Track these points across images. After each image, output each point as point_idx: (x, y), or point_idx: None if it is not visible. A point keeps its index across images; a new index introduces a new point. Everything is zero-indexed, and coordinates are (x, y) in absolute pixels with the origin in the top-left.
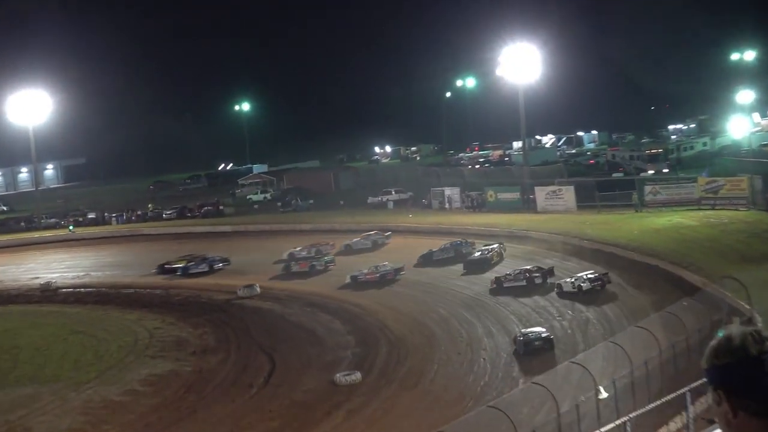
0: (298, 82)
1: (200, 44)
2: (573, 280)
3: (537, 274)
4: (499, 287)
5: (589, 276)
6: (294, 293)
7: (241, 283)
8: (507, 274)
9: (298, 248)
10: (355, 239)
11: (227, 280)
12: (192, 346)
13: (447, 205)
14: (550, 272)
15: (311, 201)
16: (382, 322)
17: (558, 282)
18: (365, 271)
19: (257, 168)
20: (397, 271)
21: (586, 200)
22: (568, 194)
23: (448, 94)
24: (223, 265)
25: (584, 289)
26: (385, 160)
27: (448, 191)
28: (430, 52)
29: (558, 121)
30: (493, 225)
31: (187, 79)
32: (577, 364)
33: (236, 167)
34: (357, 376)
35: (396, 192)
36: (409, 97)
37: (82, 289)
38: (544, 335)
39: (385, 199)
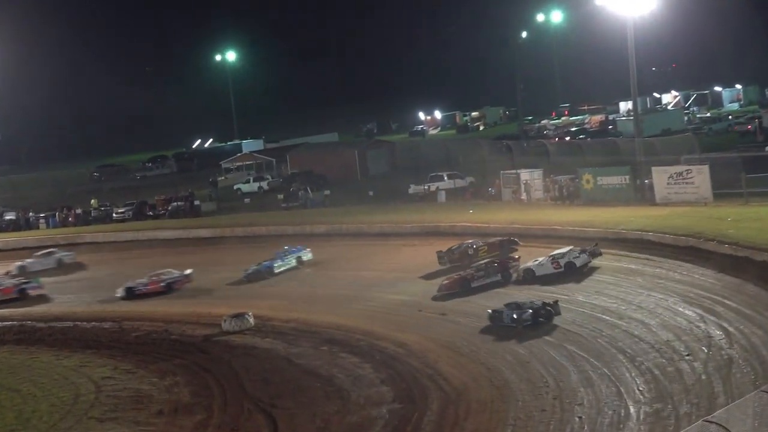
0: (307, 21)
1: None
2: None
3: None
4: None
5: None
6: (304, 325)
7: (226, 311)
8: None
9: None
10: (29, 259)
11: (206, 306)
12: (158, 404)
13: (524, 196)
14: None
15: (327, 192)
16: (433, 367)
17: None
18: (144, 280)
19: (248, 145)
20: (187, 277)
21: (727, 185)
22: (700, 177)
23: (524, 35)
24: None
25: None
26: (433, 131)
27: (525, 175)
28: None
29: (686, 72)
30: (590, 224)
31: (147, 19)
32: (717, 424)
33: (218, 144)
34: None
35: (449, 177)
36: (468, 41)
37: None
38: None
39: (434, 187)
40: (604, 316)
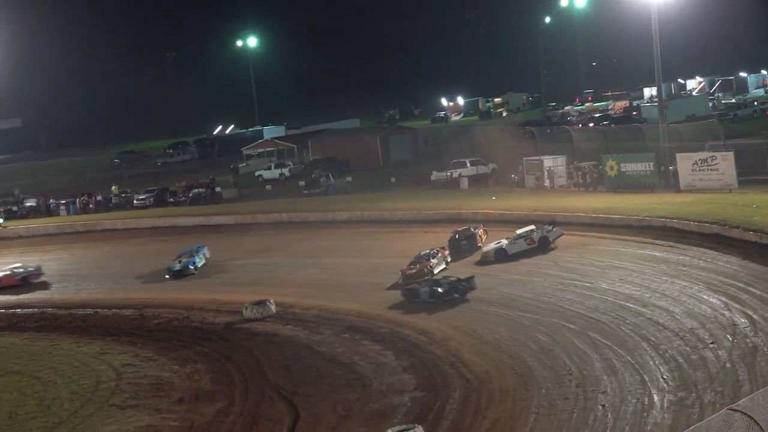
0: (330, 6)
1: None
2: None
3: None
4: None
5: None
6: (326, 312)
7: (248, 298)
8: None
9: None
10: None
11: (227, 294)
12: (178, 391)
13: (547, 182)
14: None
15: (349, 178)
16: (455, 354)
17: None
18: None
19: (270, 131)
20: (38, 269)
21: (752, 172)
22: (725, 164)
23: (548, 20)
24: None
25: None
26: (456, 117)
27: (548, 162)
28: None
29: (711, 57)
30: (614, 210)
31: (168, 5)
32: (741, 412)
33: (239, 130)
34: (417, 431)
35: (472, 164)
36: (491, 25)
37: (19, 310)
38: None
39: (456, 174)
40: (627, 304)
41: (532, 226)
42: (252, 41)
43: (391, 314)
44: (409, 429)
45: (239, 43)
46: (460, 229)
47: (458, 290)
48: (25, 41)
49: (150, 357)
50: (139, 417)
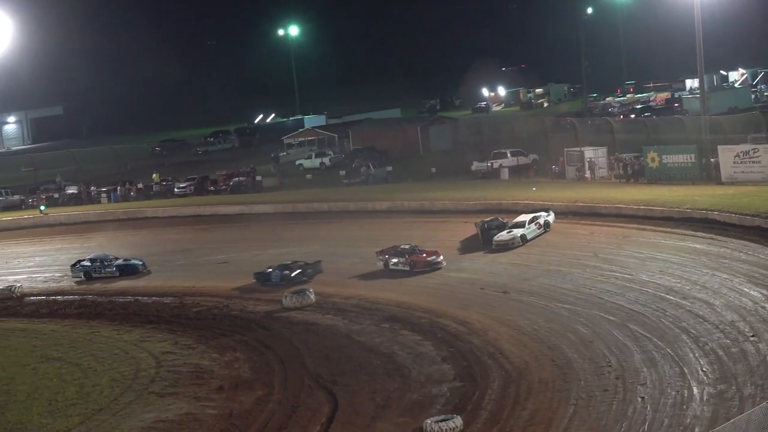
0: None
1: None
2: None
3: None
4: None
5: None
6: (366, 302)
7: (286, 287)
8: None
9: None
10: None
11: None
12: (218, 379)
13: (588, 173)
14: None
15: (389, 168)
16: (494, 345)
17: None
18: None
19: (311, 120)
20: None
21: None
22: (767, 156)
23: (590, 11)
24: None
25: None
26: (497, 108)
27: (589, 153)
28: None
29: (754, 48)
30: (655, 202)
31: None
32: None
33: (280, 119)
34: (456, 422)
35: (513, 154)
36: (533, 15)
37: (59, 297)
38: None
39: (497, 164)
40: (668, 296)
41: (532, 214)
42: (293, 30)
43: (430, 304)
44: (447, 419)
45: (281, 31)
46: (488, 219)
47: (306, 274)
48: (67, 29)
49: (189, 345)
50: (178, 405)
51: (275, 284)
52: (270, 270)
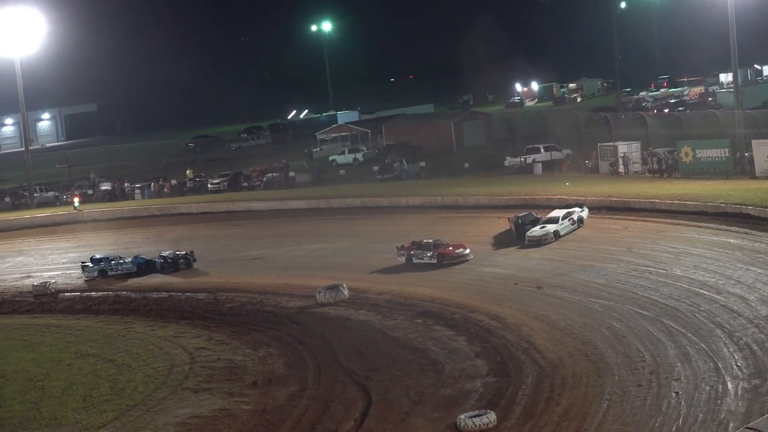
0: None
1: None
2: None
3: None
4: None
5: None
6: (399, 297)
7: (321, 282)
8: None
9: None
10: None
11: (301, 278)
12: (251, 375)
13: (621, 168)
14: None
15: (422, 164)
16: (528, 340)
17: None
18: None
19: (344, 116)
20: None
21: None
22: None
23: (623, 5)
24: None
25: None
26: (530, 103)
27: (623, 148)
28: None
29: None
30: (689, 197)
31: None
32: None
33: (313, 115)
34: (490, 417)
35: (546, 149)
36: (566, 10)
37: (93, 293)
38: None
39: (530, 159)
40: (702, 291)
41: (566, 209)
42: (326, 26)
43: (464, 299)
44: (481, 414)
45: (314, 27)
46: (522, 214)
47: (187, 263)
48: (101, 26)
49: (223, 341)
50: (212, 400)
51: (159, 271)
52: (157, 259)
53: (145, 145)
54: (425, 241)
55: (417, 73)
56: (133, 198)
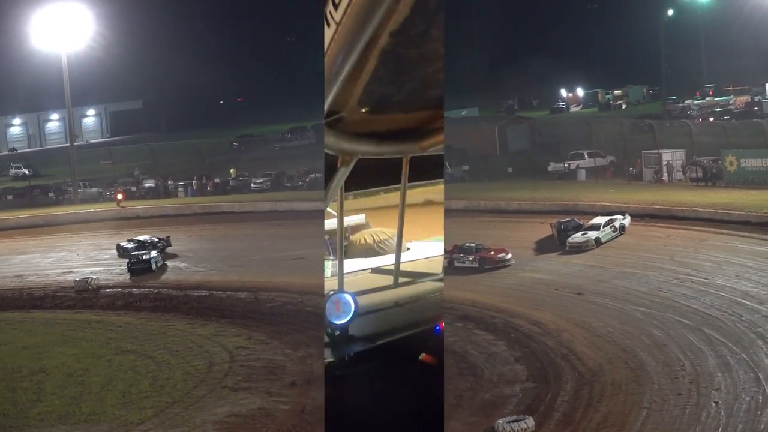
0: None
1: None
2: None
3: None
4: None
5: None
6: None
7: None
8: None
9: None
10: None
11: None
12: (290, 375)
13: (665, 176)
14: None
15: (465, 167)
16: (568, 347)
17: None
18: None
19: None
20: None
21: None
22: None
23: (670, 12)
24: None
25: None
26: (575, 109)
27: (667, 155)
28: None
29: None
30: (732, 206)
31: None
32: None
33: None
34: (528, 423)
35: (590, 155)
36: (612, 16)
37: (134, 290)
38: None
39: (574, 165)
40: (744, 301)
41: (608, 217)
42: None
43: (504, 304)
44: (519, 420)
45: None
46: (564, 220)
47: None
48: (147, 23)
49: (263, 340)
50: (251, 399)
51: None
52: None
53: (189, 143)
54: (467, 244)
55: (462, 76)
56: (177, 196)
